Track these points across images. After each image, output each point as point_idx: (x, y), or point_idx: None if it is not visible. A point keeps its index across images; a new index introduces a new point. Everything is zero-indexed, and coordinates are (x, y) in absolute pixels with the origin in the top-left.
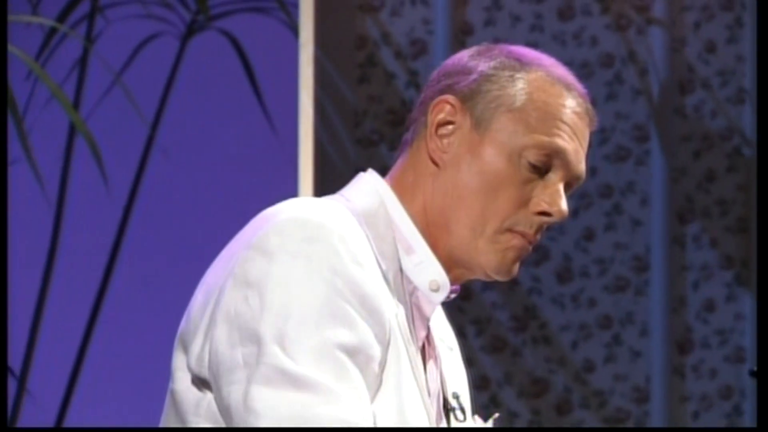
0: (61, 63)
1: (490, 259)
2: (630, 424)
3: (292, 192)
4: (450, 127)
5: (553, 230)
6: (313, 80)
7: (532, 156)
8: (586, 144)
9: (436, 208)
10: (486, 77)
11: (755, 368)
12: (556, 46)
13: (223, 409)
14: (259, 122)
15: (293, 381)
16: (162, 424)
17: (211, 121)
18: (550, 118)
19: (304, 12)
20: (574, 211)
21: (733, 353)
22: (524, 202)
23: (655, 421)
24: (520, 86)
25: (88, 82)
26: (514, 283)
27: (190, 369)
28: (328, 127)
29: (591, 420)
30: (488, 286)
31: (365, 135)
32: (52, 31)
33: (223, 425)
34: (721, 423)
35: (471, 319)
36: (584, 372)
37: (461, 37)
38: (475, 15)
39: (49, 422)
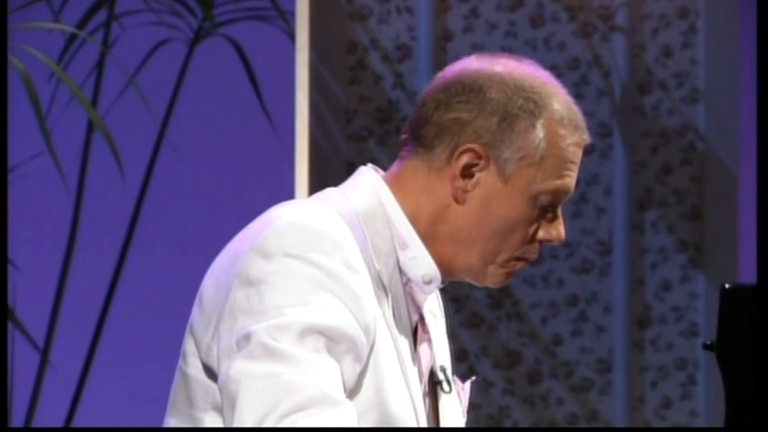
0: (81, 66)
1: (497, 280)
2: (594, 393)
3: (289, 182)
4: (473, 169)
5: None
6: (308, 82)
7: (546, 200)
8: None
9: (449, 233)
10: (509, 125)
11: (708, 342)
12: (528, 51)
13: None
14: (259, 120)
15: (272, 354)
16: (171, 403)
17: (217, 118)
18: (561, 162)
19: (300, 20)
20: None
21: (688, 328)
22: (531, 235)
23: (617, 390)
24: (540, 136)
25: (105, 83)
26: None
27: (200, 357)
28: (322, 124)
29: (559, 388)
30: None
31: (355, 131)
32: (73, 37)
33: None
34: (677, 391)
35: (451, 297)
36: (553, 345)
37: (442, 43)
38: (455, 23)
39: (69, 391)
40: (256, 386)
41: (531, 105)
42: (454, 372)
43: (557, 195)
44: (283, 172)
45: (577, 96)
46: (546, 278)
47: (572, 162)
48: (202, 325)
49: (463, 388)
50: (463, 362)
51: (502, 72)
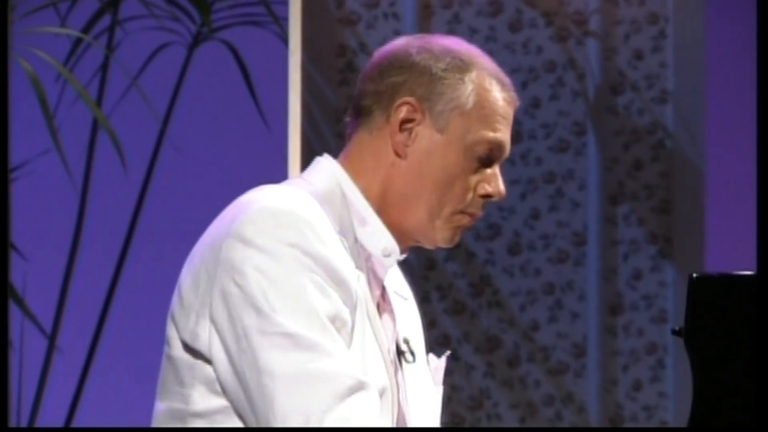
0: (86, 68)
1: (445, 235)
2: (570, 376)
3: (282, 177)
4: (410, 123)
5: (505, 210)
6: (300, 83)
7: (481, 150)
8: (511, 125)
9: (396, 192)
10: (439, 79)
11: (677, 327)
12: (507, 54)
13: (236, 374)
14: (254, 119)
15: (295, 342)
16: (160, 387)
17: (214, 117)
18: (492, 114)
19: (293, 25)
20: (522, 194)
21: (657, 315)
22: (472, 188)
23: (591, 373)
24: (469, 89)
25: (109, 84)
26: (471, 255)
27: (182, 339)
28: (313, 123)
29: (536, 371)
30: (449, 257)
31: (345, 130)
32: (78, 40)
33: (216, 387)
34: (647, 374)
35: (435, 286)
36: (531, 331)
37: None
38: (438, 28)
39: (76, 374)
40: (292, 380)
41: (458, 62)
42: (428, 351)
43: (492, 147)
44: (276, 167)
45: (553, 97)
46: (524, 268)
47: (503, 116)
48: (182, 312)
49: (438, 366)
50: (446, 347)
51: (429, 41)
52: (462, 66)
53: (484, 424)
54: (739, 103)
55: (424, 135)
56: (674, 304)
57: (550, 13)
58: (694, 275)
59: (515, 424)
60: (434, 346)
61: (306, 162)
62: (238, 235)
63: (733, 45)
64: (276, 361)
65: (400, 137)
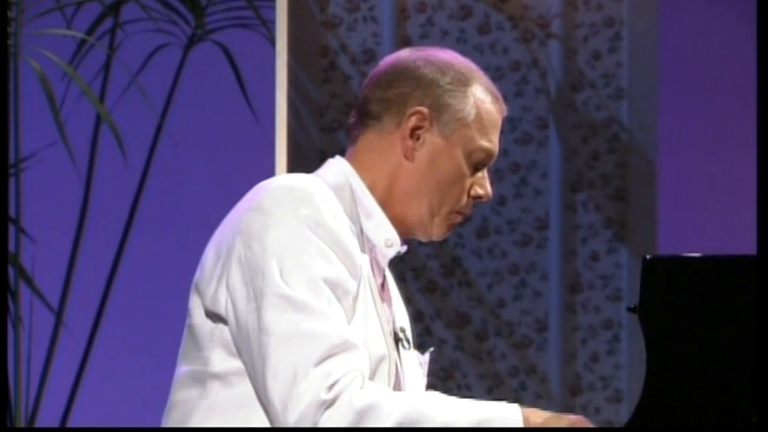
0: (90, 67)
1: (441, 231)
2: (533, 349)
3: (270, 168)
4: (419, 131)
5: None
6: (287, 81)
7: (478, 157)
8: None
9: (401, 189)
10: (445, 92)
11: (631, 305)
12: (476, 55)
13: (241, 333)
14: (244, 114)
15: (293, 304)
16: (181, 354)
17: (208, 112)
18: (488, 125)
19: (280, 28)
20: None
21: (613, 294)
22: (467, 190)
23: (552, 346)
24: (471, 102)
25: (111, 82)
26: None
27: (205, 307)
28: (299, 118)
29: (502, 345)
30: (423, 242)
31: (327, 124)
32: (83, 42)
33: (233, 349)
34: (604, 348)
35: (410, 267)
36: (497, 308)
37: (403, 48)
38: (413, 30)
39: (80, 348)
40: (284, 337)
41: (461, 76)
42: (412, 332)
43: (486, 154)
44: (265, 158)
45: (518, 94)
46: (491, 251)
47: (495, 127)
48: (205, 281)
49: (423, 362)
50: (420, 323)
51: (431, 56)
52: (464, 80)
53: (455, 393)
54: (688, 99)
55: (431, 141)
56: (628, 284)
57: (515, 17)
58: (648, 257)
59: (483, 394)
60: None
61: (292, 153)
62: (258, 208)
63: (683, 46)
64: (273, 320)
65: (410, 142)
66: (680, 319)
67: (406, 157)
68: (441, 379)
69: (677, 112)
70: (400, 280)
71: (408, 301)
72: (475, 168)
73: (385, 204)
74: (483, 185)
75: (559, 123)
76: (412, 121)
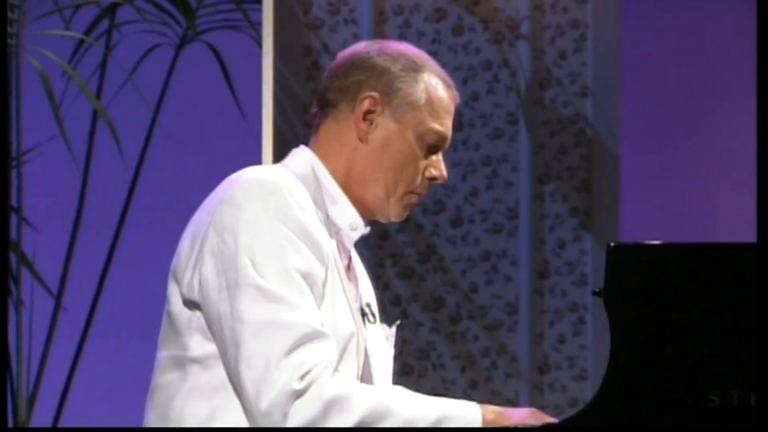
0: (87, 66)
1: (397, 211)
2: (504, 331)
3: (256, 160)
4: (372, 114)
5: (448, 189)
6: (272, 79)
7: (430, 139)
8: (453, 117)
9: (358, 172)
10: (397, 77)
11: (597, 289)
12: (450, 55)
13: (214, 320)
14: (232, 110)
15: (265, 295)
16: (161, 340)
17: (199, 108)
18: (439, 109)
19: (266, 29)
20: (463, 175)
21: (579, 279)
22: (421, 171)
23: (522, 328)
24: (421, 87)
25: (108, 79)
26: (419, 227)
27: (182, 294)
28: (284, 114)
29: (475, 327)
30: (401, 229)
31: (311, 119)
32: (81, 42)
33: (209, 334)
34: (570, 329)
35: (388, 254)
36: (470, 292)
37: None
38: (391, 32)
39: (78, 329)
40: (257, 326)
41: (412, 64)
42: (386, 313)
43: (438, 137)
44: (251, 151)
45: (489, 91)
46: (465, 238)
47: (447, 111)
48: (181, 268)
49: (389, 334)
50: (398, 306)
51: (385, 47)
52: (415, 67)
53: (431, 372)
54: (649, 96)
55: (383, 124)
56: (593, 269)
57: (487, 19)
58: (612, 244)
59: (457, 373)
60: (388, 305)
61: (277, 146)
62: (229, 200)
63: (644, 47)
64: (246, 309)
65: (363, 125)
66: (642, 302)
67: (361, 140)
68: (417, 359)
69: (638, 108)
70: (379, 266)
71: (386, 285)
72: (429, 150)
73: (347, 187)
74: (438, 167)
75: (528, 119)
76: (365, 105)
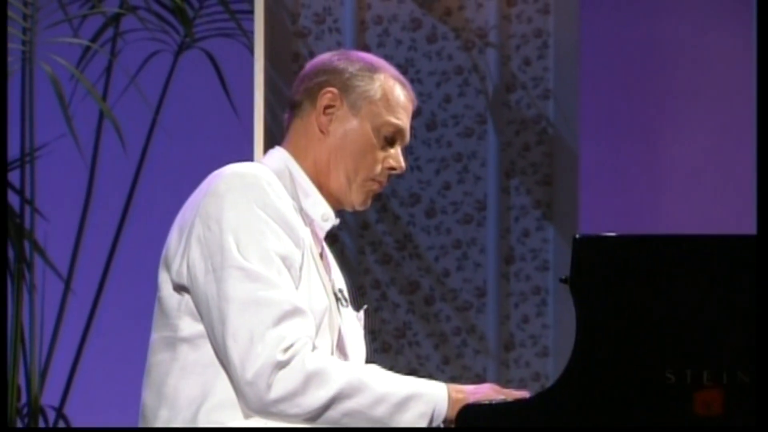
0: (94, 70)
1: (359, 198)
2: (473, 312)
3: (249, 157)
4: (332, 109)
5: (423, 183)
6: (263, 84)
7: (386, 132)
8: (410, 118)
9: (323, 162)
10: (354, 76)
11: (563, 276)
12: (425, 61)
13: (201, 301)
14: (227, 111)
15: (249, 275)
16: (154, 322)
17: (196, 110)
18: (394, 105)
19: (258, 37)
20: (437, 170)
21: (541, 265)
22: (380, 161)
23: (490, 309)
24: (377, 85)
25: (113, 83)
26: (396, 217)
27: (172, 280)
28: (274, 115)
29: (447, 309)
30: (380, 220)
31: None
32: (88, 48)
33: (197, 316)
34: (533, 311)
35: (368, 242)
36: (443, 277)
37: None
38: (372, 39)
39: (86, 311)
40: (242, 304)
41: (369, 65)
42: (364, 296)
43: (395, 130)
44: (245, 149)
45: (461, 94)
46: (438, 228)
47: (403, 108)
48: (170, 257)
49: (360, 317)
50: (377, 290)
51: (347, 53)
52: (372, 68)
53: (407, 349)
54: (605, 98)
55: (343, 117)
56: (554, 256)
57: (458, 28)
58: (577, 236)
59: (431, 350)
60: (368, 289)
61: (268, 144)
62: (213, 192)
63: (601, 54)
64: (231, 288)
65: (324, 119)
66: (605, 289)
67: (322, 132)
68: (395, 338)
69: (596, 109)
70: (360, 253)
71: (366, 271)
72: (387, 142)
73: (317, 180)
74: (396, 158)
75: (495, 119)
76: (324, 99)
